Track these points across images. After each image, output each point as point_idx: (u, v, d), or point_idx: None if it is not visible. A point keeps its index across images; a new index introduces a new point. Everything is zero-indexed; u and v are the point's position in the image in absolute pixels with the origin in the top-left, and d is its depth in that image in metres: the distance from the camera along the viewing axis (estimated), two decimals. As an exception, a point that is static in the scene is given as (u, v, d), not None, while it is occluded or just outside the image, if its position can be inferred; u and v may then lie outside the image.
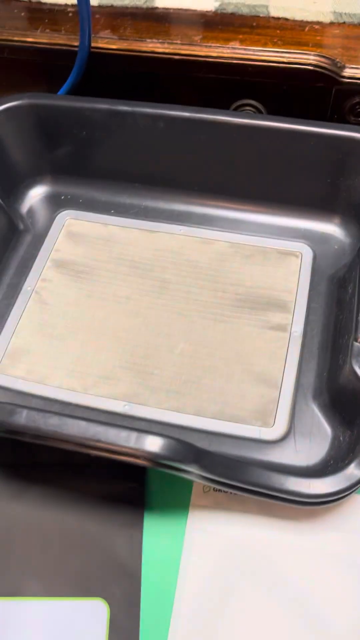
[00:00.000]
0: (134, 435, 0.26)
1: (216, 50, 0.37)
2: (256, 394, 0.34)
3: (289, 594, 0.29)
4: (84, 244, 0.41)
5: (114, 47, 0.38)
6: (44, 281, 0.40)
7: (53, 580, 0.31)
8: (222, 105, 0.41)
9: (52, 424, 0.26)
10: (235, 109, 0.41)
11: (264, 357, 0.36)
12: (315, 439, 0.32)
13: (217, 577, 0.30)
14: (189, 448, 0.26)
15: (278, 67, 0.36)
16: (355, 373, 0.30)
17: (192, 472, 0.27)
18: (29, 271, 0.40)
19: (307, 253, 0.40)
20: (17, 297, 0.39)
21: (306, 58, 0.36)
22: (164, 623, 0.29)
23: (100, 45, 0.38)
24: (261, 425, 0.33)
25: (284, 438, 0.33)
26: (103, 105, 0.39)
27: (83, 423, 0.26)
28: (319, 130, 0.36)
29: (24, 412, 0.27)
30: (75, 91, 0.41)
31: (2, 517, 0.32)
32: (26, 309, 0.39)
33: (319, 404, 0.33)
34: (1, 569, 0.31)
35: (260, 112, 0.40)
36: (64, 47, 0.39)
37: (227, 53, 0.36)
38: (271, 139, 0.37)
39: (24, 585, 0.31)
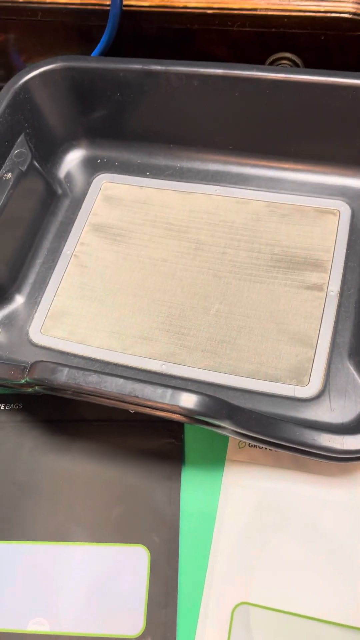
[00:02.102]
0: (169, 392, 0.27)
1: (250, 2, 0.36)
2: (291, 353, 0.35)
3: (322, 545, 0.30)
4: (121, 207, 0.42)
5: (146, 4, 0.37)
6: (83, 245, 0.41)
7: (97, 528, 0.33)
8: (258, 60, 0.40)
9: (92, 381, 0.28)
10: (271, 63, 0.40)
11: (300, 316, 0.36)
12: (350, 397, 0.33)
13: (252, 528, 0.31)
14: (223, 404, 0.27)
15: (315, 17, 0.35)
16: (390, 331, 0.30)
17: (227, 427, 0.28)
18: (68, 235, 0.41)
19: (345, 211, 0.39)
20: (57, 261, 0.40)
21: (344, 6, 0.34)
22: (201, 569, 0.31)
23: (132, 2, 0.38)
24: (296, 384, 0.34)
25: (318, 396, 0.33)
26: (136, 65, 0.38)
27: (121, 380, 0.27)
28: (357, 82, 0.35)
29: (66, 370, 0.28)
30: (108, 52, 0.40)
31: (50, 469, 0.34)
32: (66, 272, 0.40)
33: (355, 362, 0.33)
34: (50, 517, 0.33)
35: (297, 65, 0.39)
36: (96, 7, 0.38)
37: (262, 4, 0.35)
38: (308, 93, 0.36)
39: (71, 531, 0.33)
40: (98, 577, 0.31)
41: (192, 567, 0.31)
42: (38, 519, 0.33)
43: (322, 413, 0.32)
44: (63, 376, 0.28)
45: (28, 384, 0.31)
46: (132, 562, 0.32)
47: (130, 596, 0.31)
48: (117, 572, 0.31)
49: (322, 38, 0.36)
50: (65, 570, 0.32)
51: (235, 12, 0.36)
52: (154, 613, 0.30)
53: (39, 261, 0.40)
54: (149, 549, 0.32)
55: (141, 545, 0.32)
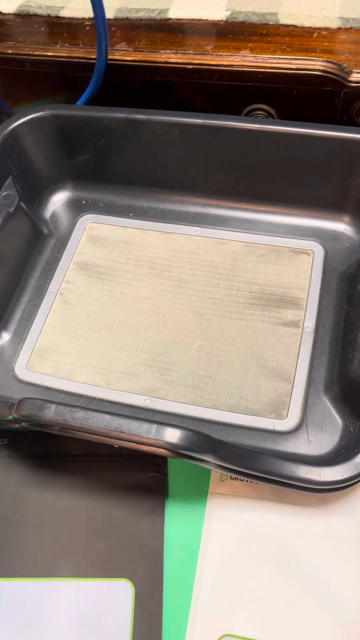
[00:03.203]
0: (154, 427, 0.28)
1: (227, 58, 0.38)
2: (270, 388, 0.36)
3: (303, 576, 0.31)
4: (105, 247, 0.44)
5: (129, 58, 0.40)
6: (68, 283, 0.42)
7: (82, 562, 0.33)
8: (235, 109, 0.42)
9: (79, 417, 0.28)
10: (248, 114, 0.42)
11: (278, 352, 0.37)
12: (327, 430, 0.34)
13: (235, 559, 0.32)
14: (206, 438, 0.28)
15: (287, 74, 0.37)
16: (362, 366, 0.32)
17: (209, 461, 0.29)
18: (54, 273, 0.42)
19: (318, 251, 0.41)
20: (42, 298, 0.41)
21: (314, 64, 0.37)
22: (185, 602, 0.31)
23: (116, 57, 0.40)
24: (275, 417, 0.35)
25: (296, 429, 0.34)
26: (120, 114, 0.40)
27: (107, 416, 0.28)
28: (327, 133, 0.37)
29: (53, 407, 0.29)
30: (93, 101, 0.42)
31: (35, 504, 0.35)
32: (51, 309, 0.41)
33: (330, 396, 0.35)
34: (35, 552, 0.34)
35: (271, 115, 0.42)
36: (82, 60, 0.41)
37: (238, 61, 0.38)
38: (281, 142, 0.38)
39: (56, 566, 0.33)
40: (83, 612, 0.32)
41: (176, 600, 0.32)
42: (23, 555, 0.34)
43: (300, 446, 0.34)
44: (51, 413, 0.29)
45: (15, 421, 0.31)
46: (117, 596, 0.32)
47: (116, 631, 0.31)
48: (102, 606, 0.32)
49: (295, 92, 0.39)
50: (51, 606, 0.32)
51: (214, 67, 0.38)
52: (139, 648, 0.31)
53: (25, 299, 0.41)
54: (133, 583, 0.32)
55: (126, 579, 0.32)
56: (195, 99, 0.42)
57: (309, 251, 0.41)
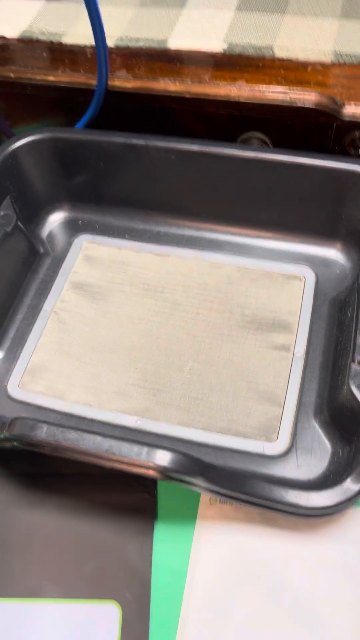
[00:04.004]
0: (144, 449, 0.28)
1: (224, 88, 0.39)
2: (261, 411, 0.36)
3: (290, 601, 0.31)
4: (100, 267, 0.44)
5: (129, 85, 0.41)
6: (62, 302, 0.42)
7: (69, 583, 0.33)
8: (230, 136, 0.43)
9: (71, 438, 0.29)
10: (242, 141, 0.43)
11: (269, 376, 0.38)
12: (316, 454, 0.34)
13: (223, 583, 0.32)
14: (196, 462, 0.29)
15: (281, 106, 0.38)
16: (352, 393, 0.32)
17: (199, 484, 0.30)
18: (49, 292, 0.43)
19: (310, 277, 0.42)
20: (37, 317, 0.42)
21: (308, 97, 0.38)
22: (172, 626, 0.31)
23: (116, 83, 0.41)
24: (265, 441, 0.35)
25: (286, 453, 0.35)
26: (118, 138, 0.41)
27: (98, 438, 0.29)
28: (320, 163, 0.38)
29: (45, 427, 0.29)
30: (91, 125, 0.43)
31: (23, 523, 0.35)
32: (45, 328, 0.41)
33: (320, 421, 0.35)
34: (21, 572, 0.33)
35: (265, 143, 0.43)
36: (83, 86, 0.41)
37: (234, 91, 0.39)
38: (275, 170, 0.39)
39: (42, 587, 0.33)
40: (69, 634, 0.32)
41: (163, 623, 0.32)
42: (9, 574, 0.33)
43: (289, 470, 0.34)
44: (42, 433, 0.29)
45: (7, 440, 0.32)
46: (103, 618, 0.32)
47: (101, 654, 0.31)
48: (88, 629, 0.32)
49: (289, 122, 0.40)
50: (36, 627, 0.32)
51: (210, 97, 0.39)
52: (125, 672, 0.30)
53: (19, 317, 0.42)
54: (120, 605, 0.32)
55: (113, 601, 0.32)
56: (192, 125, 0.43)
57: (301, 277, 0.42)
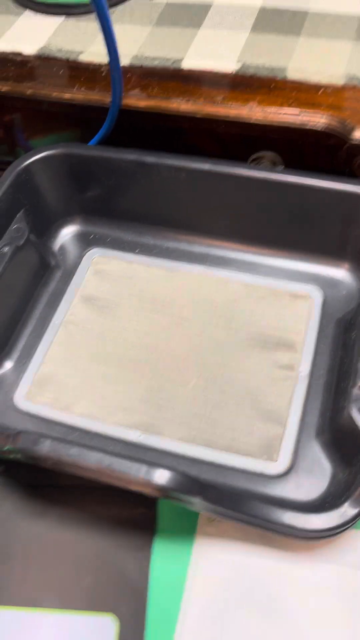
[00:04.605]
0: (144, 468, 0.28)
1: (235, 109, 0.40)
2: (263, 430, 0.37)
3: (284, 621, 0.31)
4: (110, 281, 0.45)
5: (142, 104, 0.41)
6: (72, 315, 0.43)
7: (67, 595, 0.33)
8: (241, 155, 0.44)
9: (73, 454, 0.29)
10: (254, 160, 0.44)
11: (272, 394, 0.38)
12: (316, 475, 0.35)
13: (219, 601, 0.32)
14: (194, 482, 0.29)
15: (292, 128, 0.39)
16: (352, 418, 0.32)
17: (197, 503, 0.30)
18: (58, 305, 0.43)
19: (317, 296, 0.42)
20: (46, 329, 0.42)
21: (319, 119, 0.38)
22: (167, 641, 0.32)
23: (130, 102, 0.42)
24: (266, 460, 0.36)
25: (286, 473, 0.35)
26: (131, 155, 0.42)
27: (100, 454, 0.29)
28: (329, 185, 0.38)
29: (47, 442, 0.30)
30: (105, 142, 0.44)
31: (23, 533, 0.35)
32: (54, 340, 0.42)
33: (321, 442, 0.36)
34: (20, 582, 0.34)
35: (276, 162, 0.43)
36: (97, 104, 0.42)
37: (246, 112, 0.40)
38: (284, 191, 0.40)
39: (41, 597, 0.33)
40: (66, 646, 0.32)
41: (159, 638, 0.32)
42: (8, 583, 0.34)
43: (289, 490, 0.34)
44: (45, 448, 0.30)
45: (10, 451, 0.32)
46: (100, 631, 0.32)
47: (97, 668, 0.31)
48: (85, 642, 0.32)
49: (300, 143, 0.40)
50: (34, 637, 0.32)
51: (222, 118, 0.40)
52: None
53: (28, 329, 0.42)
54: (117, 618, 0.33)
55: (110, 614, 0.33)
56: (203, 144, 0.44)
57: (308, 296, 0.42)
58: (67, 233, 0.47)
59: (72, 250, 0.46)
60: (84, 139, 0.45)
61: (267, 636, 0.31)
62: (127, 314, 0.43)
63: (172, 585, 0.33)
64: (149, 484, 0.28)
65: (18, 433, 0.31)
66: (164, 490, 0.28)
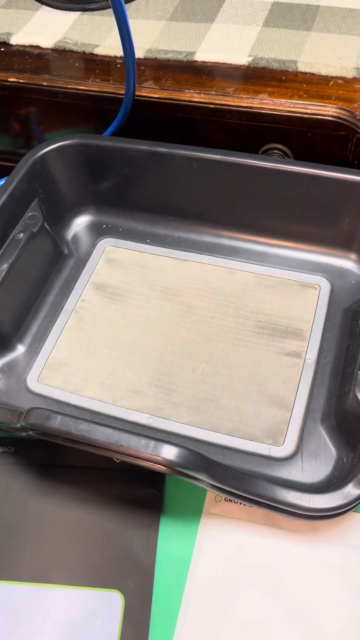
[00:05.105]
0: (152, 443, 0.29)
1: (247, 100, 0.41)
2: (269, 415, 0.37)
3: (287, 600, 0.32)
4: (121, 270, 0.46)
5: (155, 95, 0.42)
6: (84, 301, 0.44)
7: (76, 571, 0.34)
8: (252, 147, 0.44)
9: (82, 429, 0.30)
10: (264, 152, 0.44)
11: (279, 380, 0.39)
12: (321, 459, 0.35)
13: (223, 579, 0.33)
14: (202, 458, 0.30)
15: (303, 117, 0.39)
16: (357, 400, 0.33)
17: (204, 480, 0.31)
18: (71, 292, 0.44)
19: (325, 286, 0.43)
20: (58, 315, 0.43)
21: (328, 110, 0.39)
22: (172, 616, 0.32)
23: (143, 93, 0.43)
24: (272, 444, 0.36)
25: (292, 456, 0.35)
26: (143, 146, 0.43)
27: (109, 430, 0.30)
28: (339, 175, 0.39)
29: (59, 417, 0.31)
30: (119, 132, 0.45)
31: (36, 511, 0.36)
32: (66, 325, 0.43)
33: (327, 427, 0.36)
34: (31, 558, 0.35)
35: (286, 154, 0.44)
36: (112, 95, 0.43)
37: (257, 104, 0.40)
38: (294, 181, 0.40)
39: (51, 573, 0.34)
40: (73, 619, 0.33)
41: (164, 615, 0.33)
42: (19, 559, 0.35)
43: (294, 473, 0.35)
44: (56, 423, 0.31)
45: (23, 429, 0.33)
46: (106, 606, 0.33)
47: (103, 640, 0.32)
48: (91, 615, 0.33)
49: (309, 135, 0.41)
50: (42, 611, 0.33)
51: (233, 108, 0.41)
52: (125, 659, 0.31)
53: (41, 314, 0.43)
54: (123, 595, 0.33)
55: (117, 590, 0.33)
56: (215, 136, 0.44)
57: (316, 285, 0.43)
58: (81, 222, 0.48)
59: (85, 239, 0.47)
60: (98, 133, 0.46)
61: (271, 614, 0.32)
62: (138, 302, 0.44)
63: (178, 563, 0.34)
64: (157, 459, 0.29)
65: (30, 409, 0.32)
66: (171, 466, 0.29)
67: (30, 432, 0.33)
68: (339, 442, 0.35)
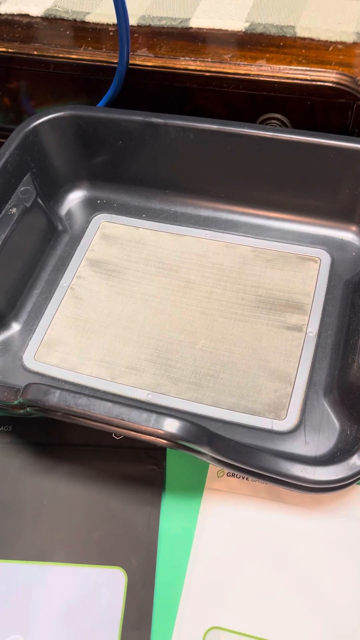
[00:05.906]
0: (153, 416, 0.29)
1: (244, 68, 0.39)
2: (270, 389, 0.37)
3: (292, 573, 0.32)
4: (117, 245, 0.45)
5: (150, 64, 0.41)
6: (79, 278, 0.43)
7: (77, 549, 0.34)
8: (250, 118, 0.43)
9: (81, 403, 0.29)
10: (262, 122, 0.43)
11: (280, 355, 0.38)
12: (324, 432, 0.35)
13: (226, 554, 0.33)
14: (203, 430, 0.29)
15: (302, 84, 0.38)
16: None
17: (206, 453, 0.30)
18: (66, 269, 0.43)
19: (325, 259, 0.42)
20: (54, 292, 0.42)
21: (328, 76, 0.38)
22: (176, 593, 0.32)
23: (137, 62, 0.41)
24: (274, 418, 0.36)
25: (294, 430, 0.35)
26: (138, 117, 0.42)
27: (109, 404, 0.29)
28: (339, 144, 0.38)
29: (57, 392, 0.30)
30: (113, 103, 0.44)
31: (35, 490, 0.36)
32: (62, 303, 0.42)
33: (329, 400, 0.36)
34: (32, 537, 0.34)
35: (285, 125, 0.43)
36: (104, 64, 0.42)
37: (254, 71, 0.39)
38: (293, 151, 0.39)
39: (52, 551, 0.34)
40: (76, 597, 0.32)
41: (167, 591, 0.32)
42: (20, 539, 0.34)
43: (297, 446, 0.34)
44: (55, 398, 0.30)
45: (20, 405, 0.32)
46: (109, 583, 0.33)
47: (106, 617, 0.32)
48: (94, 593, 0.32)
49: (309, 102, 0.40)
50: (45, 590, 0.33)
51: (230, 76, 0.39)
52: (128, 635, 0.31)
53: (36, 291, 0.43)
54: (126, 572, 0.33)
55: (119, 567, 0.33)
56: (211, 105, 0.43)
57: (316, 258, 0.42)
58: (75, 198, 0.47)
59: (79, 215, 0.46)
60: (92, 106, 0.45)
61: (276, 588, 0.31)
62: (135, 278, 0.43)
63: (181, 539, 0.33)
64: (158, 432, 0.28)
65: (28, 385, 0.31)
66: (173, 439, 0.28)
67: (28, 408, 0.32)
68: (342, 414, 0.35)
